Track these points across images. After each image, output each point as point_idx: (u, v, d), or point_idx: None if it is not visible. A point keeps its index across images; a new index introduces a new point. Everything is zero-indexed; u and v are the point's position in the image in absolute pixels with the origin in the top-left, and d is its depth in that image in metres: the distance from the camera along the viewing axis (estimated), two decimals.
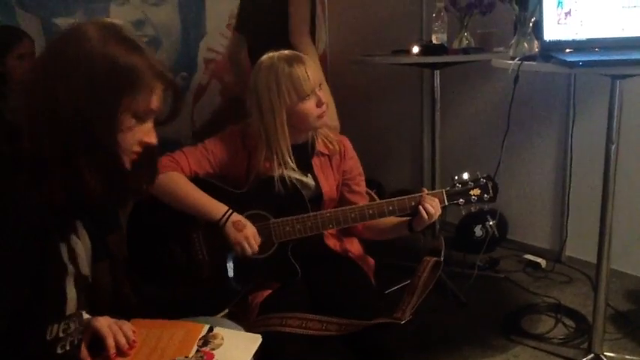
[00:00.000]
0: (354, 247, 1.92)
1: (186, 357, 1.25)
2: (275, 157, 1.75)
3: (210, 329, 1.34)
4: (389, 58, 2.84)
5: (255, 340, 1.33)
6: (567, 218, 2.98)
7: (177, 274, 1.76)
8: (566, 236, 3.01)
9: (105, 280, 2.47)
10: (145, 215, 1.78)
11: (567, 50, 1.86)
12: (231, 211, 1.68)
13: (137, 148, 1.04)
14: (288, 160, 1.74)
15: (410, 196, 1.72)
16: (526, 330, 2.43)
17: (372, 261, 1.94)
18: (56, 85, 0.94)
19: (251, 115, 1.77)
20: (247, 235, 1.66)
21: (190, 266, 1.74)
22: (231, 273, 1.73)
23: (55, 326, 1.04)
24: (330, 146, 1.85)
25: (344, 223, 1.73)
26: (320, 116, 1.76)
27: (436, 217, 1.70)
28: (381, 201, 1.74)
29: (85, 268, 1.12)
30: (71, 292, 1.05)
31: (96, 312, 1.34)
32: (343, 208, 1.74)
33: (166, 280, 1.77)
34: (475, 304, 2.67)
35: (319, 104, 1.74)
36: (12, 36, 2.46)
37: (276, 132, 1.73)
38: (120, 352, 1.25)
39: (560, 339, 2.36)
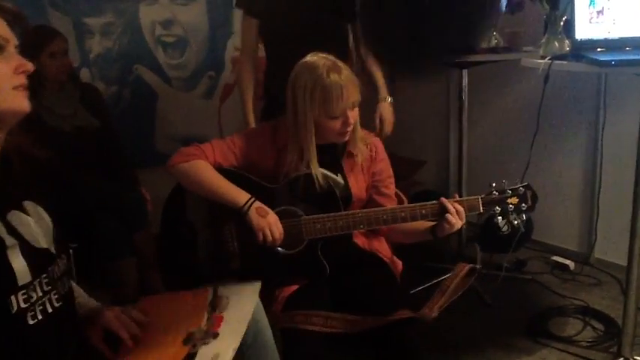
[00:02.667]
0: (383, 246, 1.92)
1: (200, 326, 1.29)
2: (303, 155, 1.76)
3: (215, 292, 1.38)
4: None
5: (255, 288, 1.39)
6: (597, 220, 2.93)
7: (208, 266, 1.80)
8: (596, 238, 2.97)
9: (131, 276, 2.51)
10: (178, 207, 1.82)
11: (599, 49, 1.84)
12: (253, 199, 1.70)
13: (17, 80, 1.09)
14: (312, 159, 1.75)
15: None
16: (553, 332, 2.40)
17: (399, 262, 1.94)
18: None
19: (287, 109, 1.78)
20: (270, 221, 1.68)
21: (221, 258, 1.77)
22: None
23: (13, 298, 1.06)
24: (363, 148, 1.85)
25: (375, 224, 1.73)
26: (342, 134, 1.76)
27: (459, 225, 1.68)
28: (414, 204, 1.72)
29: (40, 242, 1.14)
30: (18, 263, 1.08)
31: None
32: (376, 209, 1.74)
33: (198, 271, 1.81)
34: (501, 305, 2.64)
35: (345, 124, 1.73)
36: (44, 35, 2.49)
37: (305, 133, 1.74)
38: (136, 339, 1.29)
39: (589, 342, 2.32)
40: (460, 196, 1.74)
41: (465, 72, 2.86)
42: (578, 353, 2.26)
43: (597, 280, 2.84)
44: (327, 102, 1.68)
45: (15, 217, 1.12)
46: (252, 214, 1.68)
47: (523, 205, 1.73)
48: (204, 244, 1.81)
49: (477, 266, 1.70)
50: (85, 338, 1.28)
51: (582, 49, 1.84)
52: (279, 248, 1.73)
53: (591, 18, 1.86)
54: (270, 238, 1.68)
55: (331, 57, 1.74)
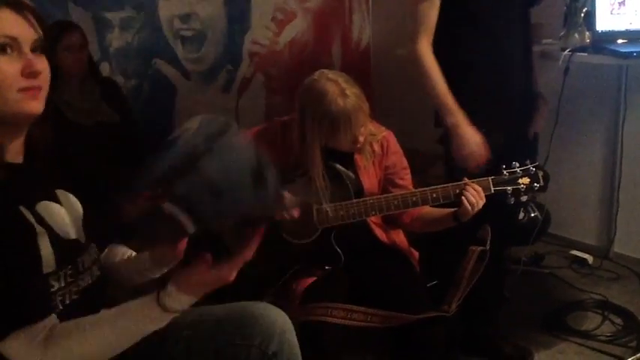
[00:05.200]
0: (401, 238, 1.92)
1: None
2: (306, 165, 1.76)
3: None
4: None
5: None
6: (616, 214, 2.91)
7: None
8: (615, 232, 2.94)
9: None
10: None
11: (620, 41, 1.82)
12: None
13: (24, 83, 1.05)
14: (317, 175, 1.74)
15: (454, 183, 1.70)
16: (572, 327, 2.39)
17: (416, 253, 1.94)
18: None
19: (295, 122, 1.78)
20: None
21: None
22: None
23: None
24: (374, 143, 1.84)
25: (387, 210, 1.73)
26: (354, 147, 1.77)
27: (480, 205, 1.68)
28: (425, 188, 1.73)
29: (69, 233, 1.16)
30: (46, 250, 1.09)
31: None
32: (387, 195, 1.75)
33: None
34: (520, 299, 2.63)
35: (355, 142, 1.74)
36: (60, 28, 2.51)
37: (311, 153, 1.73)
38: None
39: (607, 336, 2.31)
40: None
41: None
42: (597, 347, 2.25)
43: (616, 275, 2.82)
44: (335, 132, 1.68)
45: (44, 207, 1.13)
46: None
47: (535, 184, 1.70)
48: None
49: (487, 248, 1.67)
50: None
51: (603, 41, 1.83)
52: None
53: (612, 9, 1.85)
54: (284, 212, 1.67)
55: (341, 78, 1.71)
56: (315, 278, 1.76)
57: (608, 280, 2.78)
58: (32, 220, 1.09)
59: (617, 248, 2.98)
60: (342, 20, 3.65)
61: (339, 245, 1.75)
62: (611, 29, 1.85)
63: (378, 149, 1.85)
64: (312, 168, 1.74)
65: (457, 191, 1.69)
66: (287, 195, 1.71)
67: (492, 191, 1.70)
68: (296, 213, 1.67)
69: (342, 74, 1.74)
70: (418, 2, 1.87)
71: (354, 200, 1.74)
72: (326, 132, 1.70)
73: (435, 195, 1.71)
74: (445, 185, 1.70)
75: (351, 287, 1.79)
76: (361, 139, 1.74)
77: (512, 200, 1.72)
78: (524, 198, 1.71)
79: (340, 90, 1.67)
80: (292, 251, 1.77)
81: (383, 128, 1.91)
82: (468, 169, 1.86)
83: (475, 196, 1.66)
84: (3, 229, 1.02)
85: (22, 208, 1.08)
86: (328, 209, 1.73)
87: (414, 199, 1.71)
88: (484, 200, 1.67)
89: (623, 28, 1.85)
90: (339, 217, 1.73)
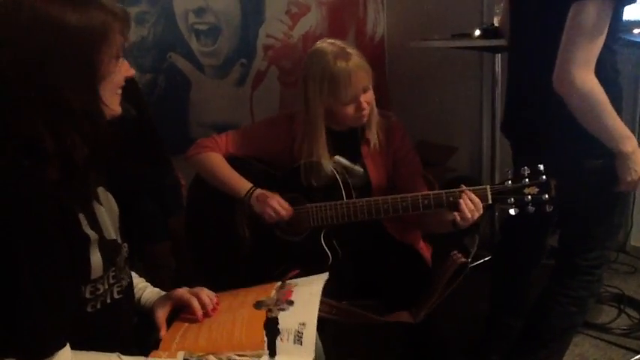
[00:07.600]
0: (413, 233, 1.91)
1: (269, 296, 1.29)
2: (309, 144, 1.76)
3: (283, 282, 1.37)
4: (449, 42, 2.82)
5: (323, 276, 1.36)
6: (633, 207, 2.88)
7: (225, 252, 1.85)
8: (631, 225, 2.92)
9: (167, 260, 2.56)
10: (199, 194, 1.91)
11: (636, 31, 1.80)
12: (254, 187, 1.75)
13: (122, 84, 1.16)
14: (322, 149, 1.74)
15: (447, 190, 1.59)
16: (587, 319, 2.36)
17: (429, 247, 1.94)
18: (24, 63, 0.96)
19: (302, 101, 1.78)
20: (271, 203, 1.71)
21: (234, 242, 1.84)
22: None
23: (82, 288, 1.10)
24: (380, 133, 1.83)
25: (375, 214, 1.68)
26: (358, 118, 1.75)
27: (475, 216, 1.55)
28: (417, 194, 1.65)
29: (111, 232, 1.17)
30: (95, 258, 1.10)
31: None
32: (376, 198, 1.69)
33: (216, 257, 1.86)
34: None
35: (359, 109, 1.72)
36: None
37: (315, 122, 1.74)
38: (205, 313, 1.29)
39: (623, 330, 2.30)
40: (492, 183, 1.69)
41: (498, 56, 2.83)
42: (613, 341, 2.24)
43: (633, 268, 2.81)
44: (336, 89, 1.68)
45: (95, 207, 1.15)
46: (253, 201, 1.74)
47: (545, 195, 1.49)
48: (222, 229, 1.87)
49: (468, 260, 1.52)
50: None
51: (618, 31, 1.80)
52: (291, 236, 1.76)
53: None
54: (274, 216, 1.71)
55: (339, 42, 1.73)
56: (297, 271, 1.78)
57: (625, 274, 2.77)
58: (86, 226, 1.09)
59: (633, 241, 2.96)
60: (356, 13, 3.64)
61: (349, 238, 1.75)
62: (627, 19, 1.83)
63: (386, 137, 1.84)
64: (315, 133, 1.73)
65: (451, 199, 1.58)
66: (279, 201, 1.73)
67: (489, 201, 1.56)
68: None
69: (345, 42, 1.75)
70: (596, 36, 1.56)
71: (344, 201, 1.71)
72: (327, 92, 1.69)
73: (426, 202, 1.61)
74: (438, 192, 1.61)
75: (360, 281, 1.80)
76: (365, 105, 1.72)
77: (514, 211, 1.54)
78: (531, 209, 1.52)
79: (340, 49, 1.69)
80: (282, 247, 1.79)
81: (391, 114, 1.89)
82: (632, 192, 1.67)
83: (469, 207, 1.54)
84: (62, 241, 1.01)
85: (81, 216, 1.08)
86: (318, 209, 1.73)
87: (404, 204, 1.63)
88: (480, 212, 1.55)
89: (638, 18, 1.82)
90: (327, 218, 1.72)
